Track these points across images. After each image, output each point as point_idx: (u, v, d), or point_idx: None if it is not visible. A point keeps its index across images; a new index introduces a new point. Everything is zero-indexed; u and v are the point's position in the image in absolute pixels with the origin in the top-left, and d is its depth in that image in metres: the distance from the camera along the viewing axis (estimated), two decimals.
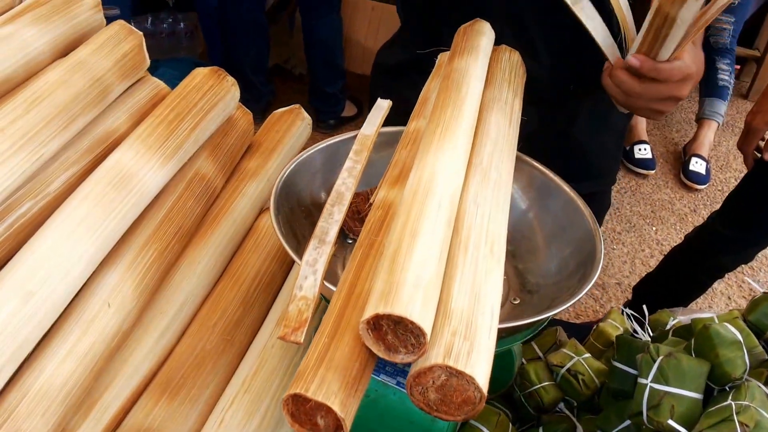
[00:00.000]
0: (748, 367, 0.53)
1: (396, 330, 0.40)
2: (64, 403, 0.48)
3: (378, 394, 0.57)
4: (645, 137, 2.77)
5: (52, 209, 0.54)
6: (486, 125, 0.59)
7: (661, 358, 0.54)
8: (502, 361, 0.67)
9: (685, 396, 0.52)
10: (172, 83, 2.44)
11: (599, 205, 1.04)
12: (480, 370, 0.39)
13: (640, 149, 2.72)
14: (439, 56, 0.73)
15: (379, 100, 0.70)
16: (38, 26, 0.62)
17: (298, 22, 2.55)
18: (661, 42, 0.61)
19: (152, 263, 0.57)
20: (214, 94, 0.67)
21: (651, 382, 0.53)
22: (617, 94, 0.68)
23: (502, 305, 0.60)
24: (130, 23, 2.21)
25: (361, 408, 0.41)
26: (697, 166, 2.66)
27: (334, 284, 0.47)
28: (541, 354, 0.76)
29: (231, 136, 0.70)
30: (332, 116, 2.60)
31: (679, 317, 0.81)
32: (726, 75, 2.71)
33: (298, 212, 0.62)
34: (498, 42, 0.71)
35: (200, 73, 0.68)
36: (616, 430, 0.61)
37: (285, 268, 0.67)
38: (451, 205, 0.49)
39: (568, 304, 0.52)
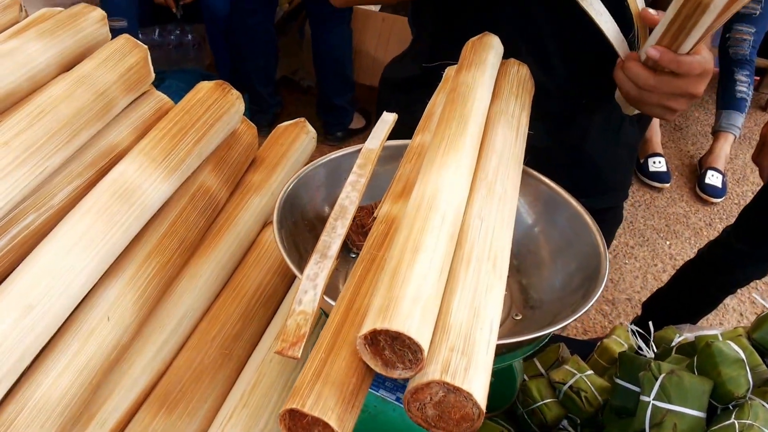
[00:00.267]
0: (751, 386, 0.53)
1: (393, 345, 0.41)
2: (62, 416, 0.49)
3: (377, 410, 0.58)
4: (660, 150, 2.77)
5: (56, 222, 0.55)
6: (492, 139, 0.60)
7: (663, 375, 0.54)
8: (503, 378, 0.67)
9: (688, 414, 0.52)
10: (179, 95, 2.47)
11: (611, 220, 1.04)
12: (477, 386, 0.40)
13: (654, 162, 2.72)
14: (446, 70, 0.74)
15: (384, 113, 0.71)
16: (43, 41, 0.63)
17: (308, 34, 2.57)
18: (687, 32, 0.61)
19: (154, 276, 0.58)
20: (218, 107, 0.68)
21: (653, 399, 0.54)
22: (630, 88, 0.68)
23: (504, 321, 0.60)
24: (137, 35, 2.26)
25: (361, 423, 0.41)
26: (713, 179, 2.65)
27: (335, 299, 0.47)
28: (543, 371, 0.76)
29: (235, 149, 0.71)
30: (340, 128, 2.62)
31: (685, 334, 0.81)
32: (744, 87, 2.70)
33: (301, 226, 0.63)
34: (512, 54, 0.72)
35: (205, 87, 0.69)
36: None
37: (287, 281, 0.68)
38: (455, 220, 0.49)
39: (569, 321, 0.52)
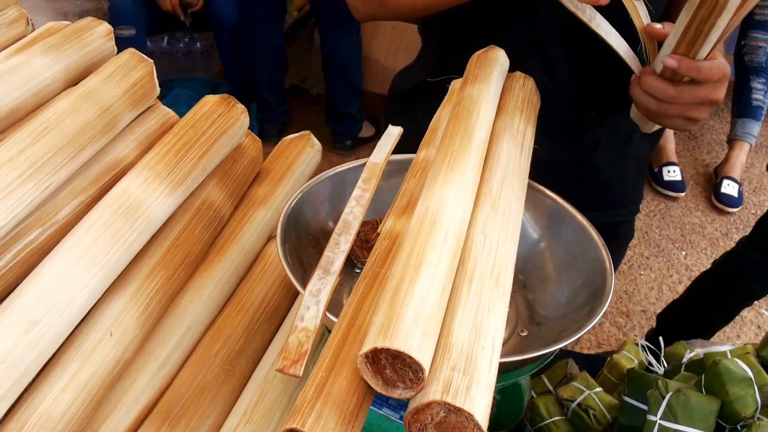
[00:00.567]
0: (759, 406, 0.53)
1: (394, 364, 0.41)
2: None
3: (381, 429, 0.58)
4: (674, 159, 2.76)
5: (60, 237, 0.56)
6: (496, 153, 0.60)
7: (670, 394, 0.54)
8: (510, 395, 0.68)
9: None
10: (188, 103, 2.50)
11: (622, 235, 1.04)
12: (479, 406, 0.40)
13: (669, 171, 2.71)
14: (452, 83, 0.75)
15: (390, 127, 0.72)
16: (49, 56, 0.65)
17: (317, 42, 2.59)
18: (704, 37, 0.60)
19: (157, 292, 0.59)
20: (223, 122, 0.69)
21: (660, 419, 0.54)
22: (649, 102, 0.67)
23: (509, 337, 0.61)
24: (145, 43, 2.28)
25: None
26: (729, 188, 2.64)
27: (338, 314, 0.48)
28: (551, 387, 0.76)
29: (240, 163, 0.72)
30: (349, 137, 2.63)
31: (696, 350, 0.81)
32: (760, 95, 2.69)
33: (305, 240, 0.64)
34: (519, 65, 0.73)
35: (210, 101, 0.70)
36: None
37: (291, 296, 0.68)
38: (458, 237, 0.50)
39: (574, 338, 0.52)
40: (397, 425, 0.58)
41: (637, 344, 0.85)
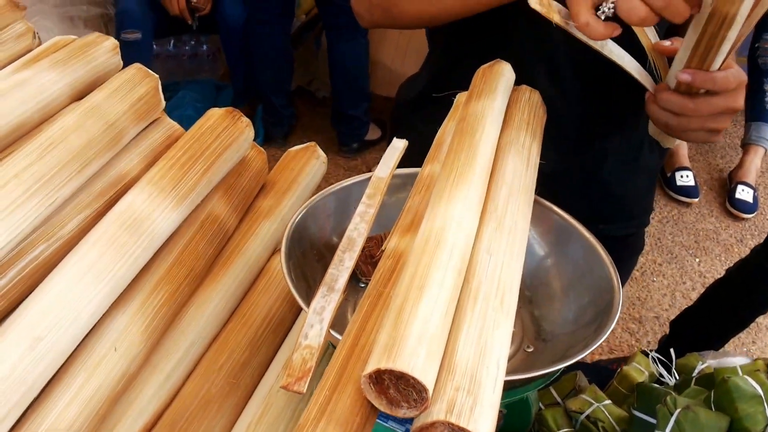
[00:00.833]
0: None
1: (398, 384, 0.42)
2: None
3: None
4: (687, 163, 2.75)
5: (65, 252, 0.57)
6: (502, 169, 0.61)
7: (678, 410, 0.55)
8: (517, 408, 0.68)
9: None
10: (193, 105, 2.52)
11: (631, 248, 1.04)
12: (483, 426, 0.41)
13: (682, 176, 2.70)
14: (457, 96, 0.76)
15: (394, 140, 0.73)
16: (56, 70, 0.66)
17: (324, 44, 2.61)
18: (716, 50, 0.61)
19: (162, 306, 0.60)
20: (228, 135, 0.70)
21: None
22: (668, 118, 0.67)
23: (515, 353, 0.61)
24: (152, 47, 2.29)
25: None
26: (743, 193, 2.63)
27: (342, 331, 0.49)
28: (559, 399, 0.77)
29: (245, 176, 0.73)
30: (356, 140, 2.64)
31: (708, 361, 0.82)
32: None
33: (310, 256, 0.64)
34: (527, 78, 0.73)
35: (214, 114, 0.71)
36: None
37: (295, 309, 0.69)
38: (462, 256, 0.51)
39: (581, 356, 0.53)
40: None
41: (647, 355, 0.86)
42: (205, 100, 2.63)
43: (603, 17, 0.61)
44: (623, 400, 0.79)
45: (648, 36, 0.69)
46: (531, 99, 0.70)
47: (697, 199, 2.67)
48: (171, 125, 0.72)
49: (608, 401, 0.74)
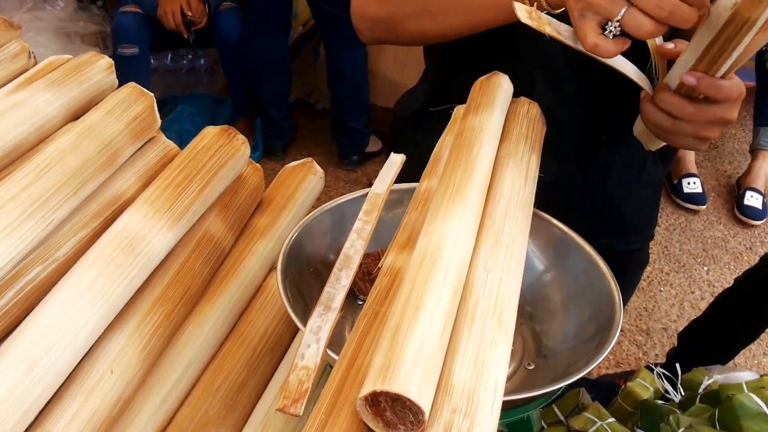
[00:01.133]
0: None
1: (394, 406, 0.42)
2: None
3: None
4: (694, 170, 2.75)
5: (61, 274, 0.58)
6: (500, 184, 0.61)
7: (681, 430, 0.55)
8: (519, 426, 0.68)
9: None
10: (191, 120, 2.53)
11: (636, 262, 1.04)
12: None
13: (689, 183, 2.70)
14: (455, 109, 0.76)
15: (392, 155, 0.73)
16: (51, 91, 0.67)
17: (322, 56, 2.62)
18: (727, 55, 0.60)
19: (158, 327, 0.61)
20: (223, 153, 0.71)
21: None
22: (663, 120, 0.67)
23: (516, 370, 0.62)
24: (149, 61, 2.31)
25: None
26: (752, 200, 2.62)
27: (339, 352, 0.49)
28: (562, 418, 0.77)
29: (241, 194, 0.74)
30: (356, 152, 2.65)
31: (715, 376, 0.82)
32: None
33: (306, 274, 0.65)
34: (527, 89, 0.74)
35: (210, 133, 0.72)
36: None
37: (292, 328, 0.70)
38: (459, 274, 0.51)
39: (581, 374, 0.53)
40: None
41: (652, 371, 0.86)
42: (204, 115, 2.65)
43: (611, 36, 0.61)
44: (628, 418, 0.79)
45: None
46: (530, 111, 0.71)
47: (704, 207, 2.67)
48: (167, 144, 0.73)
49: (612, 419, 0.74)
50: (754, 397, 0.56)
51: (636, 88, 0.76)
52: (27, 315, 0.55)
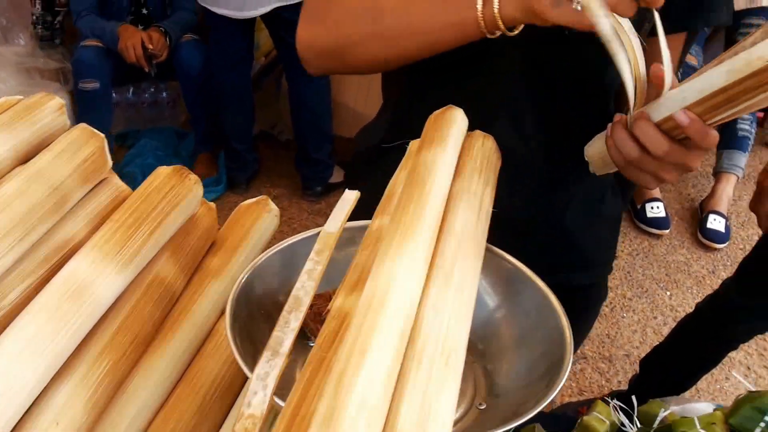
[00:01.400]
0: None
1: None
2: None
3: None
4: (658, 194, 2.80)
5: (7, 323, 0.57)
6: (452, 221, 0.62)
7: None
8: None
9: None
10: (154, 153, 2.52)
11: (594, 296, 1.05)
12: None
13: (652, 207, 2.75)
14: (410, 144, 0.77)
15: (346, 192, 0.74)
16: (0, 134, 0.66)
17: (285, 87, 2.64)
18: (736, 105, 0.56)
19: (106, 375, 0.60)
20: (175, 194, 0.71)
21: None
22: (632, 150, 0.65)
23: (467, 411, 0.62)
24: (110, 95, 2.31)
25: None
26: (715, 223, 2.68)
27: (286, 398, 0.49)
28: None
29: (193, 235, 0.74)
30: (320, 183, 2.66)
31: (672, 407, 0.83)
32: (746, 125, 2.74)
33: (257, 316, 0.65)
34: (489, 123, 0.74)
35: (162, 173, 0.72)
36: None
37: (244, 373, 0.69)
38: (407, 317, 0.51)
39: (533, 413, 0.54)
40: None
41: (608, 403, 0.87)
42: (167, 148, 2.64)
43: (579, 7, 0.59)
44: None
45: (636, 53, 0.66)
46: (484, 145, 0.72)
47: (667, 231, 2.72)
48: (118, 186, 0.73)
49: None
50: None
51: (597, 126, 0.76)
52: None
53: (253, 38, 2.54)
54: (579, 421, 0.82)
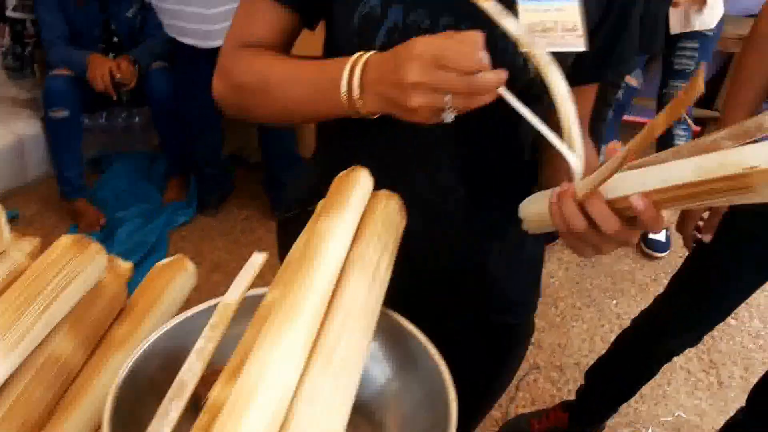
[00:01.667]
0: None
1: None
2: None
3: None
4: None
5: None
6: (342, 293, 0.58)
7: None
8: None
9: None
10: (128, 177, 2.44)
11: (520, 334, 1.01)
12: None
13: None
14: (318, 205, 0.72)
15: (253, 255, 0.69)
16: None
17: None
18: (698, 201, 0.52)
19: None
20: (74, 266, 0.66)
21: None
22: (579, 224, 0.59)
23: None
24: (80, 123, 2.24)
25: None
26: (656, 233, 2.67)
27: None
28: None
29: (97, 305, 0.69)
30: None
31: None
32: (683, 141, 2.74)
33: (148, 399, 0.60)
34: (405, 175, 0.69)
35: (61, 245, 0.67)
36: None
37: None
38: (277, 411, 0.47)
39: None
40: None
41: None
42: (139, 172, 2.57)
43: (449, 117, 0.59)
44: None
45: (574, 141, 0.61)
46: (387, 207, 0.67)
47: (666, 253, 2.69)
48: (15, 260, 0.68)
49: None
50: None
51: (515, 176, 0.72)
52: None
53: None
54: None
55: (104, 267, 0.70)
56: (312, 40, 0.87)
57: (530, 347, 2.16)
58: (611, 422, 1.90)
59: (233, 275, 0.67)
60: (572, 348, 2.21)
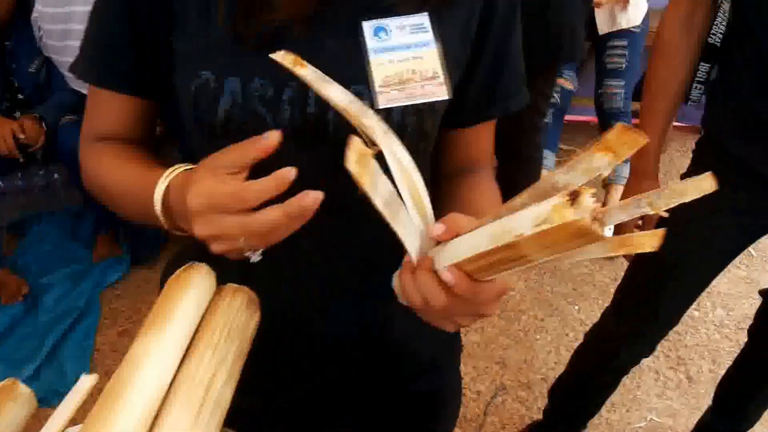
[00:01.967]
0: None
1: None
2: None
3: None
4: None
5: None
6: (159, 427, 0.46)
7: None
8: None
9: None
10: (52, 239, 2.26)
11: (444, 397, 0.92)
12: None
13: None
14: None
15: (81, 377, 0.57)
16: None
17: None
18: (496, 272, 0.48)
19: None
20: None
21: None
22: (415, 297, 0.54)
23: None
24: None
25: None
26: (609, 232, 2.59)
27: None
28: None
29: None
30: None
31: None
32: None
33: None
34: (293, 243, 0.59)
35: None
36: None
37: None
38: None
39: None
40: None
41: None
42: (63, 231, 2.41)
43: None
44: None
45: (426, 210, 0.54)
46: (231, 307, 0.56)
47: None
48: None
49: None
50: None
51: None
52: None
53: None
54: None
55: None
56: None
57: (495, 367, 2.08)
58: None
59: None
60: (538, 362, 2.12)
